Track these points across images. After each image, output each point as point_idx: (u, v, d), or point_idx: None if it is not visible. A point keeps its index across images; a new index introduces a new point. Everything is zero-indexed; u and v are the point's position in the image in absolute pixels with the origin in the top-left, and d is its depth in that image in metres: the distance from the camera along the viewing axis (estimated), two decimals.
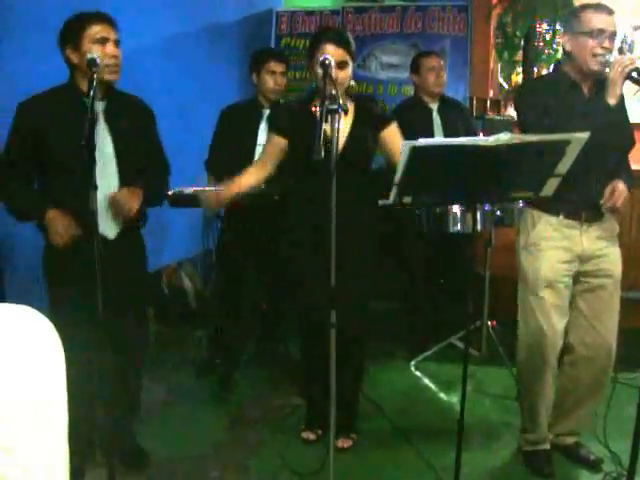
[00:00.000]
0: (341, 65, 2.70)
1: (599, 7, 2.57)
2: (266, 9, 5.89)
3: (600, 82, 2.63)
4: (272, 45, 5.69)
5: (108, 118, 2.59)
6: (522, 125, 2.72)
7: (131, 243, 2.74)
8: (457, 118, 4.16)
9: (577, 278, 2.76)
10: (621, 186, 2.62)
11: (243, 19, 5.76)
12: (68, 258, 2.53)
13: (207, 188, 3.52)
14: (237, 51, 5.45)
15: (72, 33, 2.50)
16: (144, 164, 2.73)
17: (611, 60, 2.46)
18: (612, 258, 2.75)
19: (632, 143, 2.78)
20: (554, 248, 2.70)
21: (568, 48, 2.63)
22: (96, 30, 2.49)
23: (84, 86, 2.51)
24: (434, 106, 4.14)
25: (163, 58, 4.51)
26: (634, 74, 2.41)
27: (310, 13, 5.64)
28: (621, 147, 2.70)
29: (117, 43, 2.56)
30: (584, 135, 2.06)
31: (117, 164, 2.61)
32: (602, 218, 2.71)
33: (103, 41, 2.49)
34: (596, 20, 2.53)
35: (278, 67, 3.65)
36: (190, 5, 4.86)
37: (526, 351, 2.84)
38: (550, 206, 2.66)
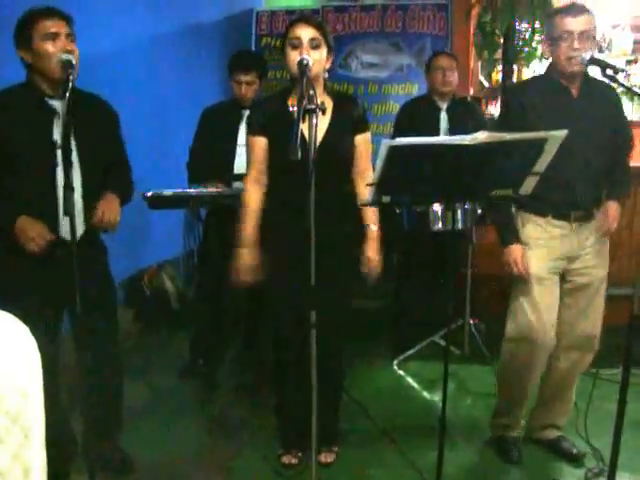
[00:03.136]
0: (314, 44, 2.55)
1: (567, 10, 2.61)
2: (246, 9, 5.89)
3: (587, 84, 2.67)
4: (252, 45, 5.68)
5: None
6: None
7: (92, 246, 2.63)
8: (467, 117, 4.15)
9: (564, 276, 2.80)
10: (612, 211, 2.72)
11: (223, 19, 5.75)
12: (25, 264, 2.45)
13: (188, 190, 3.51)
14: (218, 51, 5.44)
15: (23, 32, 2.42)
16: (107, 163, 2.66)
17: (587, 58, 2.48)
18: (600, 255, 2.79)
19: (629, 147, 2.84)
20: (542, 247, 2.74)
21: (547, 54, 2.71)
22: (46, 25, 2.39)
23: (43, 85, 2.46)
24: (443, 105, 4.17)
25: (142, 59, 4.48)
26: (609, 71, 2.43)
27: (290, 12, 5.64)
28: (611, 151, 2.72)
29: (70, 37, 2.44)
30: (561, 133, 2.05)
31: (79, 163, 2.51)
32: (592, 218, 2.75)
33: (54, 36, 2.39)
34: (564, 23, 2.57)
35: (244, 77, 3.64)
36: (169, 5, 4.84)
37: (514, 347, 2.84)
38: (538, 207, 2.70)
